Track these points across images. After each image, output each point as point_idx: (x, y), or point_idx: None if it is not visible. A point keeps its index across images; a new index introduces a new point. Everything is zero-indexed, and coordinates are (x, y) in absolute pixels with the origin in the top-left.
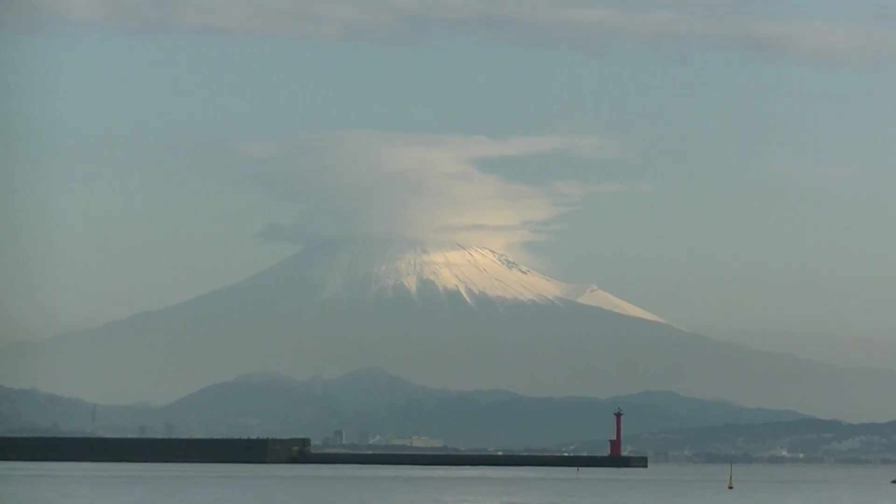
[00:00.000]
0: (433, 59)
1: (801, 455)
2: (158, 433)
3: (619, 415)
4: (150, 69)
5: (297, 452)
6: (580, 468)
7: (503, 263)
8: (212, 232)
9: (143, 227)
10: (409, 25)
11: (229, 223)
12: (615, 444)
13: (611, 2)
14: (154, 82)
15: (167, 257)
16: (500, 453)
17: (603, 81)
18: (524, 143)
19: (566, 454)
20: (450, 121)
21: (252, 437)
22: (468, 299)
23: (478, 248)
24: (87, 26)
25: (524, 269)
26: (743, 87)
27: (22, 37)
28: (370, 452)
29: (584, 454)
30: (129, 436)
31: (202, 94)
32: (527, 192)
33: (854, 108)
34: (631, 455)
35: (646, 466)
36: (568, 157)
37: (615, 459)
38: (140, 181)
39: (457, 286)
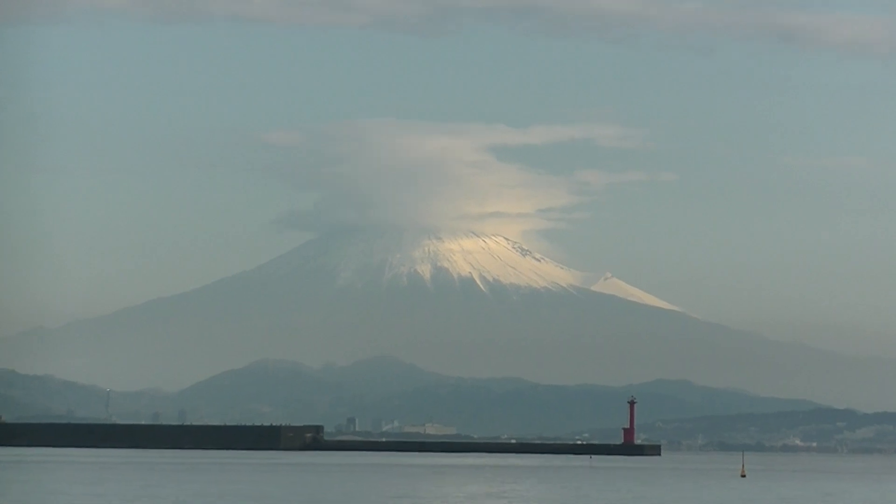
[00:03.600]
0: (456, 47)
1: (814, 444)
2: (172, 419)
3: (632, 403)
4: (174, 57)
5: (310, 439)
6: (593, 456)
7: (517, 251)
8: (227, 219)
9: (159, 214)
10: (433, 15)
11: (245, 210)
12: (628, 433)
13: None
14: (177, 70)
15: (182, 243)
16: (513, 441)
17: (627, 71)
18: (546, 131)
19: (579, 442)
20: (471, 109)
21: (265, 424)
22: (482, 287)
23: (492, 236)
24: (111, 14)
25: (538, 256)
26: (769, 78)
27: (47, 25)
28: (383, 440)
29: (598, 442)
30: (143, 422)
31: (226, 82)
32: (548, 182)
33: (883, 100)
34: (644, 443)
35: (659, 455)
36: (590, 146)
37: (628, 448)
38: (157, 168)
39: (471, 273)
